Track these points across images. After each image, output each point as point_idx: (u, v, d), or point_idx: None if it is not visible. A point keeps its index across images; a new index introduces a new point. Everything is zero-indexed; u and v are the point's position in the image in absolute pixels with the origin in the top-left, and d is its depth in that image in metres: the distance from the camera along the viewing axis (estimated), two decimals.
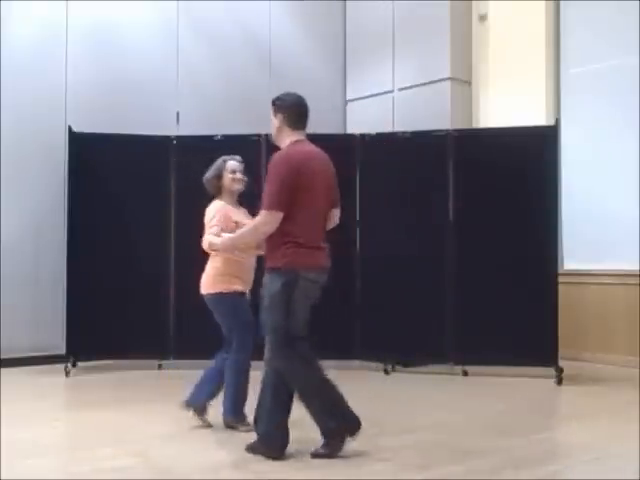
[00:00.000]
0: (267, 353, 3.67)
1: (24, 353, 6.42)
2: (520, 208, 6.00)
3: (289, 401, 3.66)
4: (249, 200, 4.37)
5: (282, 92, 4.03)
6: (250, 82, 7.78)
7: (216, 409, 4.20)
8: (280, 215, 3.55)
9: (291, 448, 3.63)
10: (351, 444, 3.67)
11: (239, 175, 4.33)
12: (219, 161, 4.37)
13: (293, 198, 3.57)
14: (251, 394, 4.05)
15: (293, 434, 3.64)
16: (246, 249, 4.08)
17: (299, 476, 3.35)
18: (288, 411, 3.66)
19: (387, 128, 7.49)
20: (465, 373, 6.05)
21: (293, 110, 3.83)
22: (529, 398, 5.26)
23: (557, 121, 6.32)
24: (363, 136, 6.55)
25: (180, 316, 6.27)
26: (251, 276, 4.26)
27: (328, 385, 3.66)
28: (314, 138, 6.38)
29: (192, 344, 5.92)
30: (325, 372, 3.71)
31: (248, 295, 4.28)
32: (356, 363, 6.36)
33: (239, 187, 4.33)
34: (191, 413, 4.22)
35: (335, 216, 3.87)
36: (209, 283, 4.20)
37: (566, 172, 7.02)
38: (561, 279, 5.95)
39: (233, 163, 4.34)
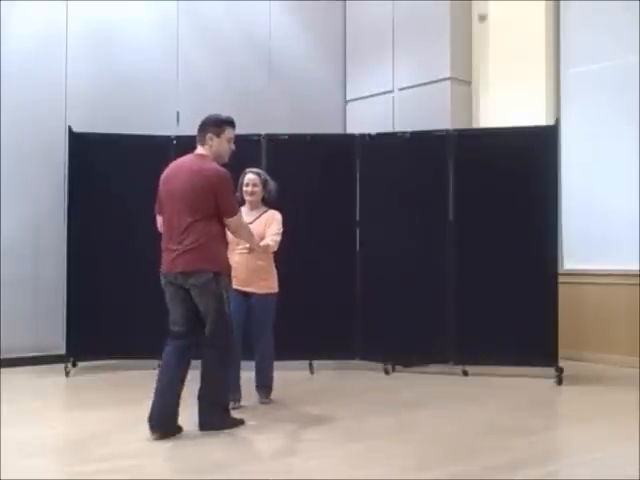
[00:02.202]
0: None
1: (24, 353, 6.42)
2: (520, 208, 6.00)
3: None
4: None
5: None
6: (250, 82, 7.78)
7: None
8: (158, 219, 4.24)
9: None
10: (352, 444, 3.66)
11: (249, 188, 4.86)
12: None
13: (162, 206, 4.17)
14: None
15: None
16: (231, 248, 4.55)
17: (296, 476, 3.35)
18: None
19: (387, 128, 7.49)
20: (465, 373, 6.05)
21: None
22: (529, 398, 5.25)
23: (557, 121, 6.32)
24: (363, 136, 6.55)
25: None
26: (243, 275, 4.71)
27: (162, 383, 4.05)
28: (314, 138, 6.48)
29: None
30: (172, 372, 4.05)
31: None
32: (356, 363, 6.36)
33: (248, 198, 4.87)
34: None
35: (228, 226, 4.16)
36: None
37: (566, 172, 7.02)
38: (561, 279, 5.95)
39: (247, 176, 4.89)
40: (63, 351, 6.23)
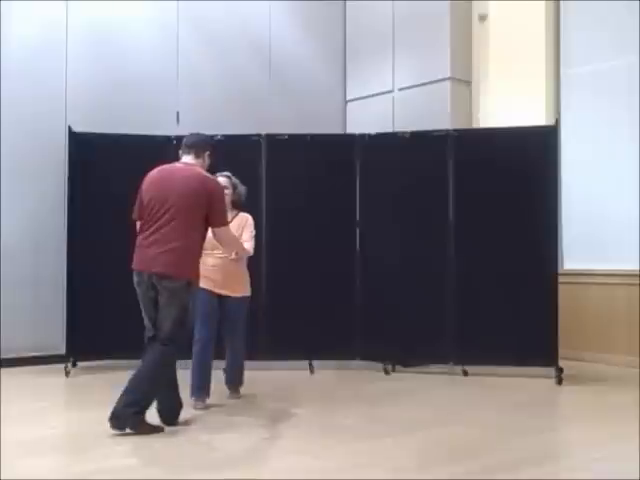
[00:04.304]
0: None
1: (24, 353, 6.42)
2: (520, 208, 6.00)
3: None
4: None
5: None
6: (250, 82, 7.78)
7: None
8: (137, 223, 4.35)
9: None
10: (352, 444, 3.66)
11: None
12: None
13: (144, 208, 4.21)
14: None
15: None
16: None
17: (297, 476, 3.35)
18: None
19: (387, 128, 7.48)
20: (465, 373, 6.05)
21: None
22: (529, 398, 5.26)
23: (557, 121, 6.32)
24: (363, 136, 6.55)
25: None
26: (220, 278, 4.80)
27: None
28: (314, 138, 6.48)
29: (190, 344, 5.91)
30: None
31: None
32: (356, 363, 6.36)
33: None
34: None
35: (217, 235, 4.23)
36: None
37: (566, 172, 7.02)
38: (561, 279, 5.95)
39: (219, 179, 4.77)
40: (63, 351, 6.23)
